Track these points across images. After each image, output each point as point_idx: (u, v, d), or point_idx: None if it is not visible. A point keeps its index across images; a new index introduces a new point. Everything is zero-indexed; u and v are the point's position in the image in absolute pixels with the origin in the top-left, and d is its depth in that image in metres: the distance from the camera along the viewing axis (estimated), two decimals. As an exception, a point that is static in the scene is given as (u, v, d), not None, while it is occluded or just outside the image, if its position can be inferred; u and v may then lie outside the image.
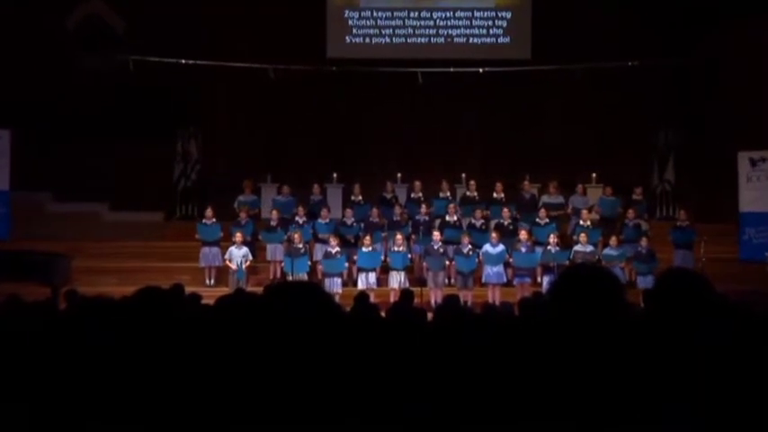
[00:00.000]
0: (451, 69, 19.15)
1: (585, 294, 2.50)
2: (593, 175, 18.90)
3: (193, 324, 3.23)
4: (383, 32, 20.47)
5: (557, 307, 2.54)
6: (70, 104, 19.13)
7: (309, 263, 16.34)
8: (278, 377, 2.29)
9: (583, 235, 16.25)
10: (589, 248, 16.12)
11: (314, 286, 2.52)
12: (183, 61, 18.83)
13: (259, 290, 12.34)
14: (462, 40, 20.47)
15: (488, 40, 20.44)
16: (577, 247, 16.14)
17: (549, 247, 15.94)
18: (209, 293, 13.15)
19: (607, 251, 16.23)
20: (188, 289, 10.52)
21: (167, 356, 2.93)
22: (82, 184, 18.76)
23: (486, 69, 19.04)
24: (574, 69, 18.68)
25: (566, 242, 16.92)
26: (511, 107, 19.98)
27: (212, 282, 16.69)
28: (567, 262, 15.58)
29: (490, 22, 20.44)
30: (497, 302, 14.89)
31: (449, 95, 19.79)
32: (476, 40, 20.45)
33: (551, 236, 16.09)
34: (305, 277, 16.00)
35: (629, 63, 18.90)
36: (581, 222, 16.93)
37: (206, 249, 16.76)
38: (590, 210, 17.43)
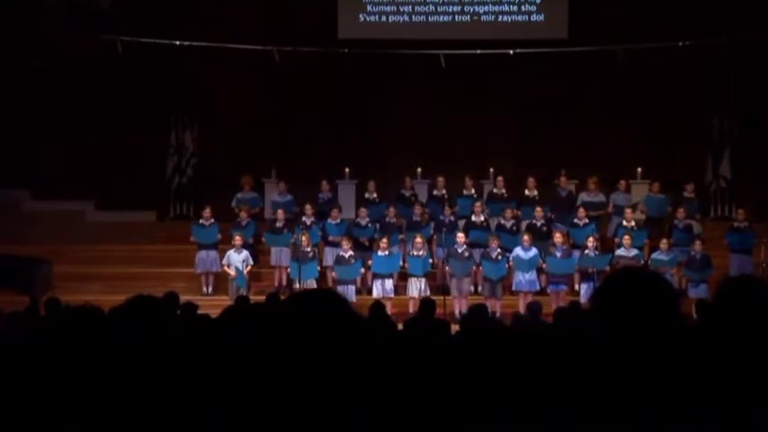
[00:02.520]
0: (478, 51, 19.10)
1: (632, 304, 2.47)
2: (639, 169, 18.83)
3: (191, 338, 3.23)
4: (401, 10, 20.45)
5: (598, 319, 2.52)
6: (50, 91, 19.21)
7: (319, 268, 16.35)
8: (289, 407, 2.28)
9: (626, 237, 16.19)
10: (633, 252, 16.05)
11: (334, 296, 2.49)
12: (178, 42, 18.87)
13: (261, 298, 12.38)
14: (490, 17, 20.42)
15: (520, 17, 20.39)
16: (620, 251, 16.08)
17: (587, 251, 15.88)
18: (207, 302, 13.20)
19: (656, 255, 16.16)
20: (183, 297, 10.56)
21: (161, 375, 2.93)
22: (63, 180, 18.84)
23: (518, 51, 18.98)
24: (616, 50, 18.60)
25: (607, 245, 16.85)
26: (545, 93, 19.91)
27: (210, 289, 16.73)
28: (608, 268, 15.52)
29: (522, -2, 20.41)
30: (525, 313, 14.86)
31: (475, 81, 19.75)
32: (506, 18, 20.41)
33: (590, 238, 16.03)
34: (314, 284, 16.02)
35: (679, 43, 18.79)
36: (624, 223, 16.87)
37: (203, 253, 16.80)
38: (634, 209, 17.37)
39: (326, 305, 2.40)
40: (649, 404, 2.37)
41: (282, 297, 11.94)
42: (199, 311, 8.86)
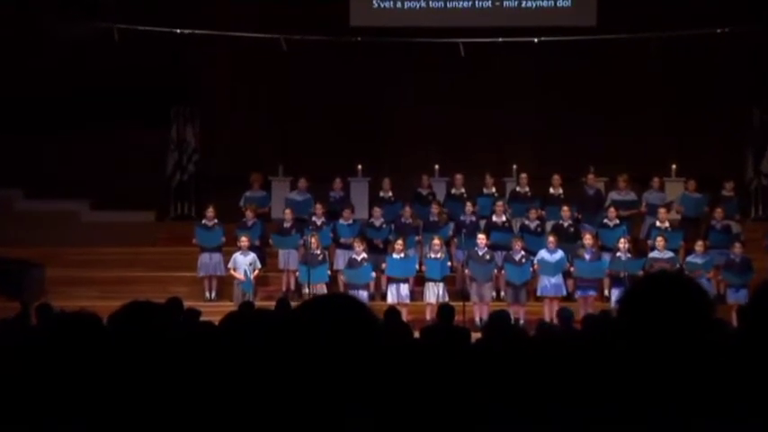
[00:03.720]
0: (500, 40, 19.08)
1: (665, 311, 2.47)
2: (673, 166, 18.78)
3: (194, 347, 3.23)
4: (417, -5, 20.47)
5: (629, 326, 2.52)
6: (42, 83, 19.27)
7: (329, 272, 16.37)
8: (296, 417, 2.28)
9: (660, 239, 16.14)
10: (668, 255, 16.01)
11: (354, 302, 2.48)
12: (179, 31, 18.92)
13: (269, 304, 12.39)
14: (513, 3, 20.40)
15: (545, 3, 20.36)
16: (653, 254, 16.04)
17: (618, 254, 15.85)
18: (210, 309, 13.22)
19: (690, 258, 16.11)
20: (185, 303, 10.59)
21: (162, 387, 2.93)
22: (57, 178, 18.91)
23: (542, 39, 18.95)
24: (648, 39, 18.54)
25: (639, 248, 16.81)
26: (571, 85, 19.88)
27: (213, 295, 16.77)
28: (641, 272, 15.48)
29: (547, -18, 20.39)
30: (555, 320, 14.82)
31: (496, 71, 19.72)
32: (530, 4, 20.38)
33: (621, 240, 15.99)
34: (323, 289, 16.04)
35: (717, 30, 18.72)
36: (658, 224, 16.83)
37: (206, 256, 16.84)
38: (669, 208, 17.31)
39: (343, 311, 2.39)
40: (682, 417, 2.37)
41: (292, 303, 11.97)
42: (201, 318, 8.88)
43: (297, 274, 16.50)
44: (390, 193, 18.11)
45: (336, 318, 2.37)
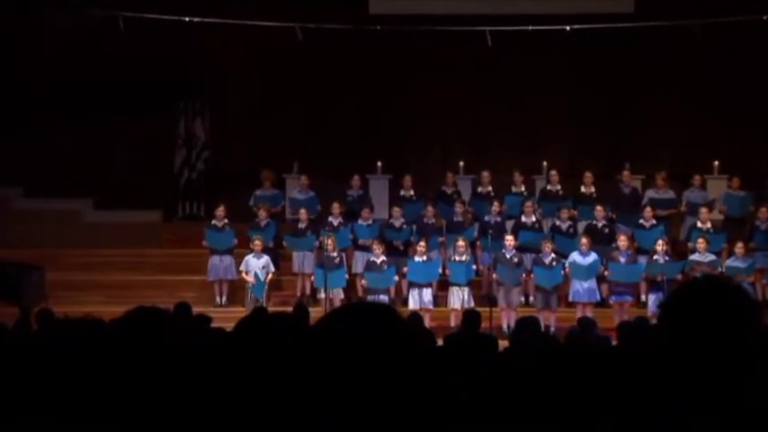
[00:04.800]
0: (530, 27, 19.04)
1: (710, 319, 2.46)
2: (715, 163, 18.70)
3: (206, 355, 3.23)
4: (441, -20, 20.43)
5: (669, 335, 2.51)
6: (42, 76, 19.36)
7: (347, 276, 16.38)
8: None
9: (701, 240, 16.10)
10: (709, 258, 15.96)
11: (391, 311, 2.46)
12: (188, 18, 18.97)
13: (283, 310, 12.41)
14: (544, -12, 20.34)
15: (578, -12, 20.29)
16: (694, 257, 15.99)
17: (656, 257, 15.80)
18: (221, 314, 13.26)
19: (730, 262, 16.05)
20: (194, 309, 10.61)
21: (172, 400, 2.94)
22: (59, 175, 18.99)
23: (575, 27, 18.90)
24: (690, 26, 18.47)
25: (678, 250, 16.75)
26: (606, 76, 19.83)
27: (224, 300, 16.81)
28: (681, 276, 15.44)
29: (580, -34, 20.32)
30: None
31: (526, 61, 19.69)
32: (561, -11, 20.32)
33: (659, 242, 15.95)
34: (340, 294, 16.06)
35: (764, 17, 18.62)
36: (699, 224, 16.78)
37: (216, 259, 16.88)
38: (711, 208, 17.26)
39: (380, 323, 2.37)
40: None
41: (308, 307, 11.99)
42: (212, 325, 8.90)
43: (312, 278, 16.51)
44: (412, 192, 18.10)
45: (375, 330, 2.34)
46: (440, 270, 16.33)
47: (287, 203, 18.12)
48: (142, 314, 3.39)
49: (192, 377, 3.01)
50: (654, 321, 9.98)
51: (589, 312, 15.50)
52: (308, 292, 16.72)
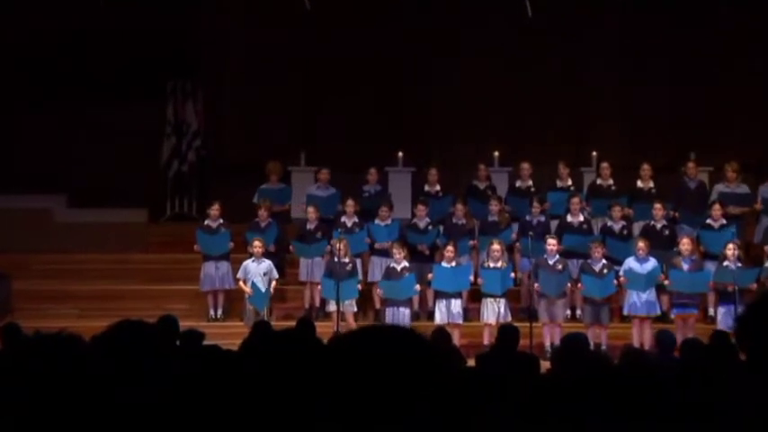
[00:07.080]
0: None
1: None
2: (795, 152, 18.69)
3: (200, 376, 3.24)
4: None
5: (744, 353, 2.50)
6: (10, 55, 19.43)
7: (360, 285, 16.34)
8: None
9: (778, 244, 16.09)
10: (788, 264, 15.94)
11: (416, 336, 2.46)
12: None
13: (287, 324, 12.38)
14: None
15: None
16: (770, 263, 15.98)
17: (726, 263, 15.76)
18: (216, 330, 13.28)
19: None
20: (184, 324, 10.64)
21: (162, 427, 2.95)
22: (27, 168, 19.05)
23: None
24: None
25: (752, 254, 16.70)
26: (667, 50, 19.79)
27: (220, 313, 16.83)
28: (755, 285, 15.39)
29: None
30: (647, 345, 14.74)
31: (571, 34, 19.68)
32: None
33: (730, 245, 15.90)
34: (353, 306, 16.05)
35: None
36: (776, 225, 16.78)
37: (210, 266, 16.89)
38: (791, 205, 17.24)
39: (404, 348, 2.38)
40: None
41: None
42: (206, 342, 8.91)
43: (320, 287, 16.47)
44: (438, 187, 18.09)
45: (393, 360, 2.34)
46: (471, 278, 16.30)
47: (302, 201, 17.82)
48: (125, 329, 3.40)
49: (185, 401, 3.02)
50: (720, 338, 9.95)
51: (647, 329, 15.50)
52: (317, 303, 16.71)
